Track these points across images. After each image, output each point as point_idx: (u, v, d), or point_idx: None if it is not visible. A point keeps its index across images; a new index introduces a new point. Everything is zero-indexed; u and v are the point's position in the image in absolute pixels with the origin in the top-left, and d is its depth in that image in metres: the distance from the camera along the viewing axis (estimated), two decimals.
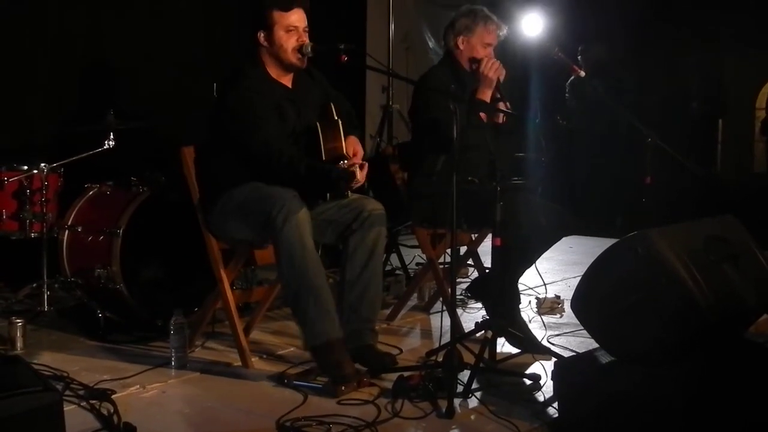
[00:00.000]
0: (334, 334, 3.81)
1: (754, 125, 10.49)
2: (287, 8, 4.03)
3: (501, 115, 4.59)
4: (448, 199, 3.69)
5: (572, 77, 8.31)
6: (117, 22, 5.96)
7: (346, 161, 3.73)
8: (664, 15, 9.43)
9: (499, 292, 4.32)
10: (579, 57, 8.18)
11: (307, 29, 4.07)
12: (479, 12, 4.71)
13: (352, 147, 4.06)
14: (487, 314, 4.49)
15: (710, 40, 9.69)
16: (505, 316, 4.30)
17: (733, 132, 10.74)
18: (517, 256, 4.37)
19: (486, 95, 4.51)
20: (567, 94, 8.60)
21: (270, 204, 3.79)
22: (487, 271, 5.09)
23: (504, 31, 4.73)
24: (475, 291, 4.92)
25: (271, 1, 4.04)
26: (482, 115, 4.52)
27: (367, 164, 3.91)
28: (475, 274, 5.54)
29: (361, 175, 3.83)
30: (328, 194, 3.87)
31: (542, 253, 4.55)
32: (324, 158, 3.90)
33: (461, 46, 4.69)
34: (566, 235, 4.58)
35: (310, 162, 3.85)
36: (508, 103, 4.56)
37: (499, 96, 4.54)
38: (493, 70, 4.51)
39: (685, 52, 9.61)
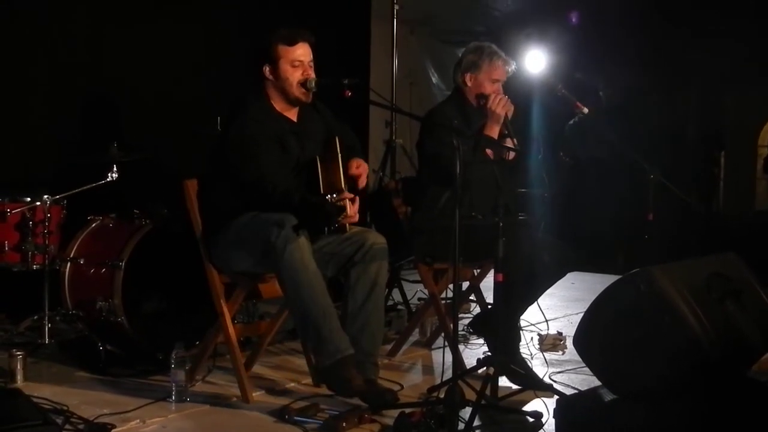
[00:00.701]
0: (347, 350, 3.85)
1: (756, 162, 10.51)
2: (293, 42, 4.05)
3: (508, 153, 4.59)
4: (450, 234, 3.69)
5: (575, 117, 8.35)
6: (121, 53, 5.99)
7: (335, 195, 3.73)
8: (667, 52, 9.47)
9: (501, 329, 4.31)
10: (600, 93, 8.23)
11: (312, 63, 4.10)
12: (486, 48, 4.73)
13: (355, 163, 4.08)
14: (489, 350, 4.47)
15: (713, 76, 9.74)
16: (506, 352, 4.28)
17: (735, 169, 10.77)
18: (519, 292, 4.37)
19: (494, 131, 4.53)
20: (567, 131, 8.63)
21: (269, 230, 3.80)
22: (489, 307, 5.08)
23: (512, 67, 4.74)
24: (477, 327, 4.91)
25: (276, 35, 4.07)
26: (488, 151, 4.53)
27: (358, 198, 3.92)
28: (477, 310, 5.53)
29: (352, 210, 3.84)
30: (326, 228, 3.87)
31: (545, 290, 4.55)
32: (323, 192, 3.91)
33: (469, 83, 4.72)
34: (569, 272, 4.57)
35: (304, 195, 3.85)
36: (515, 140, 4.57)
37: (506, 132, 4.56)
38: (501, 106, 4.52)
39: (686, 89, 9.65)
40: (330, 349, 3.82)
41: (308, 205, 3.80)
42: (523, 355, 4.60)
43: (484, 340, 4.84)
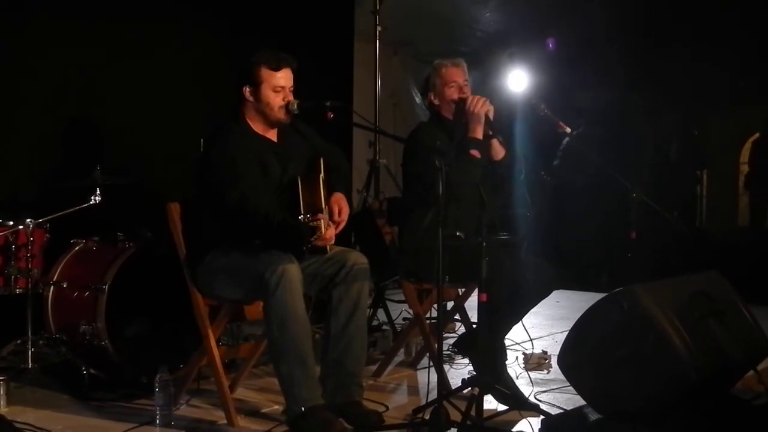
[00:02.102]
0: (318, 401, 3.83)
1: (738, 180, 10.58)
2: (277, 68, 4.06)
3: (497, 151, 4.62)
4: (434, 254, 3.69)
5: (565, 140, 8.41)
6: (104, 77, 5.98)
7: (309, 215, 3.72)
8: (650, 71, 9.54)
9: (486, 349, 4.31)
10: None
11: (292, 88, 4.10)
12: (433, 64, 4.82)
13: (337, 204, 4.07)
14: (474, 370, 4.47)
15: (696, 96, 9.81)
16: (491, 372, 4.28)
17: (717, 186, 10.84)
18: (504, 312, 4.37)
19: (477, 132, 4.54)
20: (558, 157, 8.67)
21: (262, 266, 3.79)
22: (473, 326, 5.08)
23: (463, 64, 4.79)
24: (462, 347, 4.90)
25: (260, 58, 4.07)
26: (475, 153, 4.53)
27: (333, 226, 3.91)
28: (462, 330, 5.53)
29: (328, 232, 3.84)
30: (304, 249, 3.86)
31: (529, 309, 4.56)
32: (302, 211, 3.90)
33: (435, 101, 4.77)
34: (553, 291, 4.58)
35: (285, 217, 3.85)
36: (500, 137, 4.60)
37: (491, 132, 4.58)
38: (479, 106, 4.54)
39: (669, 108, 9.72)
40: (301, 396, 3.79)
41: (285, 228, 3.80)
42: (509, 374, 4.60)
43: (469, 359, 4.83)
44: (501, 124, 4.69)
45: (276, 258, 3.81)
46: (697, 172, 10.65)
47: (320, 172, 4.08)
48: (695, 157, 10.49)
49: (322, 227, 3.74)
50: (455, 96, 4.69)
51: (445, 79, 4.73)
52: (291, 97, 4.08)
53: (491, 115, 4.59)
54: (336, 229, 4.03)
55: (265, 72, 4.05)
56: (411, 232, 4.67)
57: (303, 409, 3.78)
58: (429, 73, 4.83)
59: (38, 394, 4.51)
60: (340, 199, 4.10)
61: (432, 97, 4.78)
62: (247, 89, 4.07)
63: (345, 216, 4.06)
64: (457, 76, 4.74)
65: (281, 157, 4.12)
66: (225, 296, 4.08)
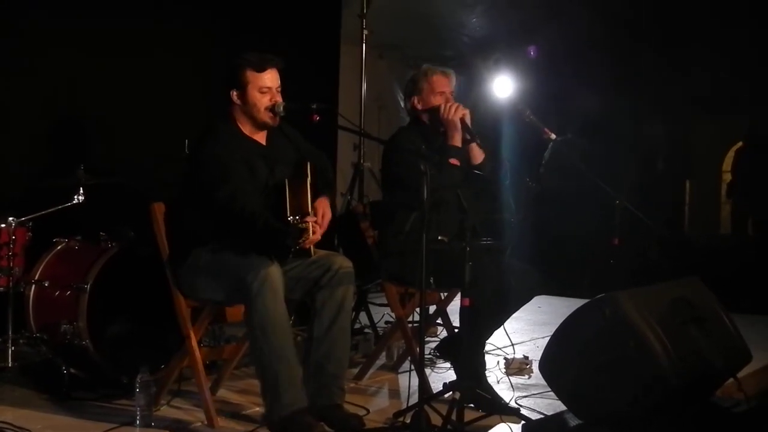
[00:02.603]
0: (302, 403, 3.83)
1: (720, 188, 10.64)
2: (261, 69, 4.05)
3: (476, 155, 4.62)
4: (417, 257, 3.70)
5: (552, 143, 8.41)
6: (88, 76, 5.96)
7: (297, 217, 3.72)
8: (634, 79, 9.58)
9: (468, 353, 4.31)
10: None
11: (279, 89, 4.10)
12: (422, 68, 4.80)
13: (321, 208, 4.08)
14: (456, 374, 4.48)
15: (679, 104, 9.86)
16: (473, 377, 4.29)
17: (700, 194, 10.89)
18: (486, 316, 4.38)
19: (456, 140, 4.55)
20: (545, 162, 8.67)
21: (245, 269, 3.79)
22: (456, 330, 5.09)
23: (452, 76, 4.77)
24: (444, 351, 4.91)
25: (245, 60, 4.06)
26: (455, 161, 4.54)
27: (320, 229, 3.91)
28: (444, 334, 5.53)
29: (315, 235, 3.83)
30: (290, 251, 3.86)
31: (511, 314, 4.57)
32: (289, 214, 3.90)
33: (418, 106, 4.75)
34: (535, 296, 4.60)
35: (269, 219, 3.84)
36: (478, 140, 4.60)
37: (469, 137, 4.58)
38: (453, 111, 4.54)
39: (653, 116, 9.76)
40: (283, 401, 3.79)
41: (271, 230, 3.79)
42: (489, 381, 4.61)
43: (451, 364, 4.84)
44: (485, 129, 4.70)
45: (258, 262, 3.81)
46: (683, 180, 10.71)
47: (307, 176, 4.08)
48: (680, 165, 10.55)
49: (310, 230, 3.73)
50: (434, 103, 4.68)
51: (433, 87, 4.71)
52: (279, 98, 4.07)
53: (467, 120, 4.59)
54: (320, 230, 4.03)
55: (250, 74, 4.04)
56: (393, 236, 4.67)
57: (285, 413, 3.78)
58: (416, 76, 4.79)
59: (18, 393, 4.48)
60: (324, 204, 4.10)
61: (416, 102, 4.76)
62: (234, 93, 4.07)
63: (327, 221, 4.06)
64: (446, 86, 4.73)
65: (268, 160, 4.11)
66: (207, 297, 4.07)
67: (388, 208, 4.78)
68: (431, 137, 4.72)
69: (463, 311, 4.02)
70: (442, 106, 4.58)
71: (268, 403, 3.84)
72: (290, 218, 3.69)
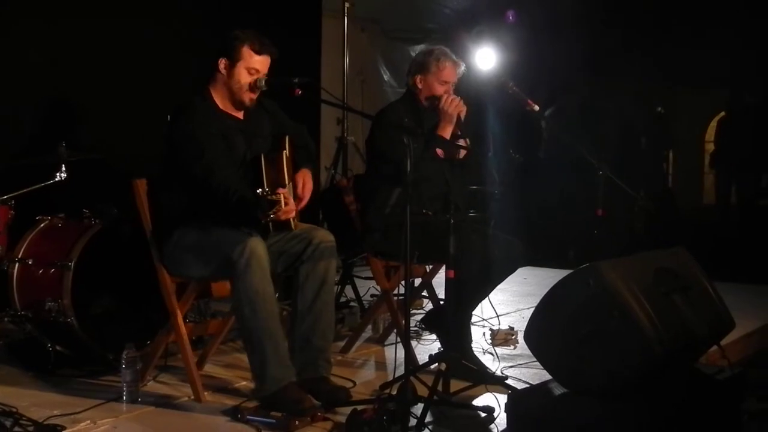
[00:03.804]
0: (291, 377, 3.85)
1: (703, 158, 10.67)
2: (259, 51, 4.05)
3: (460, 152, 4.62)
4: (401, 231, 3.71)
5: (547, 111, 8.45)
6: (70, 52, 5.92)
7: (267, 189, 3.70)
8: (615, 51, 9.58)
9: (454, 325, 4.33)
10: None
11: (266, 76, 4.08)
12: (435, 50, 4.76)
13: (301, 179, 4.07)
14: (442, 346, 4.50)
15: (661, 75, 9.87)
16: (458, 348, 4.32)
17: (683, 165, 10.93)
18: (471, 287, 4.40)
19: (446, 131, 4.56)
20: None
21: (230, 245, 3.79)
22: (441, 303, 5.11)
23: (462, 68, 4.77)
24: (430, 323, 4.93)
25: (246, 36, 4.06)
26: (439, 151, 4.56)
27: (304, 200, 3.89)
28: (430, 306, 5.55)
29: (288, 207, 3.78)
30: (265, 224, 3.85)
31: (496, 286, 4.59)
32: (266, 187, 3.88)
33: (419, 85, 4.74)
34: (519, 267, 4.62)
35: (244, 192, 3.83)
36: (467, 140, 4.60)
37: (459, 133, 4.59)
38: (453, 106, 4.55)
39: (635, 87, 9.77)
40: (272, 375, 3.81)
41: (244, 204, 3.79)
42: (475, 352, 4.63)
43: (437, 336, 4.86)
44: (468, 102, 4.70)
45: (242, 236, 3.81)
46: (664, 151, 10.73)
47: (284, 149, 4.08)
48: (662, 136, 10.57)
49: (282, 202, 3.70)
50: (440, 93, 4.67)
51: (441, 75, 4.70)
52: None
53: (462, 116, 4.60)
54: (299, 204, 4.03)
55: (246, 51, 4.04)
56: (377, 210, 4.67)
57: (275, 388, 3.79)
58: (426, 56, 4.75)
59: (3, 371, 4.48)
60: (305, 174, 4.10)
61: (418, 81, 4.74)
62: (224, 61, 4.06)
63: (308, 191, 4.07)
64: (453, 77, 4.73)
65: (246, 134, 4.11)
66: (192, 274, 4.07)
67: (372, 182, 4.78)
68: (421, 115, 4.72)
69: (449, 283, 4.04)
70: (444, 98, 4.58)
71: (257, 378, 3.86)
72: (259, 191, 3.66)
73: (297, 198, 4.04)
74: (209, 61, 4.11)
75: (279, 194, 3.66)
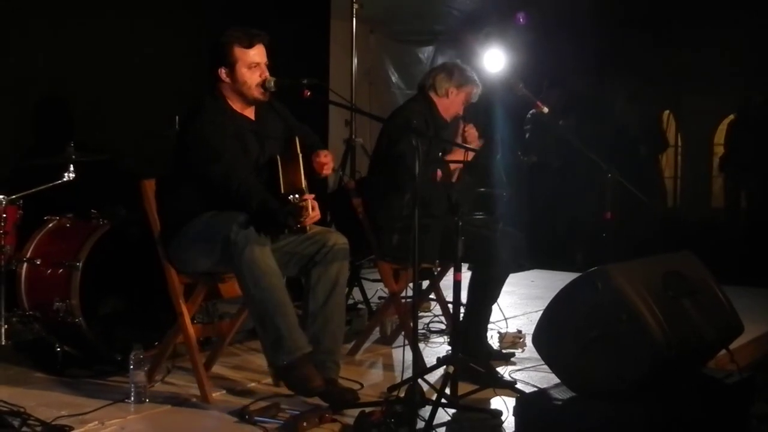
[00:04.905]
0: (306, 348, 3.87)
1: (712, 161, 10.62)
2: (249, 45, 4.03)
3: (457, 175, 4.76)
4: (424, 233, 3.76)
5: (531, 111, 8.43)
6: (78, 53, 5.92)
7: (296, 195, 3.72)
8: (623, 52, 9.56)
9: (471, 327, 4.40)
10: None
11: (267, 63, 4.08)
12: (473, 73, 4.91)
13: (323, 155, 4.10)
14: (451, 349, 4.51)
15: (669, 77, 9.84)
16: (473, 349, 4.37)
17: (691, 168, 10.88)
18: (494, 289, 4.62)
19: (453, 155, 4.72)
20: (527, 128, 8.70)
21: (227, 227, 3.80)
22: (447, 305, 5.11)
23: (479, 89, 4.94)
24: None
25: (231, 37, 4.04)
26: (438, 174, 4.70)
27: (316, 203, 3.91)
28: (437, 309, 5.56)
29: (314, 211, 3.82)
30: (286, 228, 3.86)
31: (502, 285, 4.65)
32: (283, 191, 3.90)
33: (450, 96, 4.81)
34: (526, 269, 4.66)
35: (265, 196, 3.84)
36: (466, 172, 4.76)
37: (461, 163, 4.72)
38: (471, 140, 4.70)
39: (643, 90, 9.74)
40: (288, 346, 3.83)
41: (268, 209, 3.79)
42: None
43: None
44: (476, 105, 4.74)
45: (235, 217, 3.82)
46: (674, 154, 10.72)
47: (298, 153, 4.08)
48: (671, 139, 10.56)
49: (309, 207, 3.72)
50: (460, 113, 4.82)
51: (465, 97, 4.86)
52: (266, 73, 4.06)
53: (470, 155, 4.68)
54: (325, 168, 4.09)
55: (238, 50, 4.02)
56: (390, 212, 4.70)
57: (290, 359, 3.82)
58: (464, 72, 4.87)
59: (11, 371, 4.48)
60: (324, 154, 4.14)
61: (452, 92, 4.85)
62: (223, 70, 4.05)
63: (330, 159, 4.13)
64: (470, 101, 4.88)
65: (259, 136, 4.11)
66: (198, 268, 4.07)
67: (378, 183, 4.81)
68: (437, 120, 4.79)
69: (457, 285, 4.05)
70: (468, 128, 4.65)
71: (271, 352, 3.88)
72: (290, 197, 3.67)
73: (317, 174, 4.10)
74: (211, 71, 4.09)
75: (306, 200, 3.68)
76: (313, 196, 3.85)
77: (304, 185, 3.96)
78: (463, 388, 4.10)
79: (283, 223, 3.75)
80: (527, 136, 8.73)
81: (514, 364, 4.80)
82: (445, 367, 4.01)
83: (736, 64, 9.32)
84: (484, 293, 4.64)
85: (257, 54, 4.05)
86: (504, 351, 4.95)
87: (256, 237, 3.79)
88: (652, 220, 8.44)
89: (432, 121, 4.78)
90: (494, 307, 4.70)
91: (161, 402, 4.02)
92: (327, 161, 4.11)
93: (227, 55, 4.03)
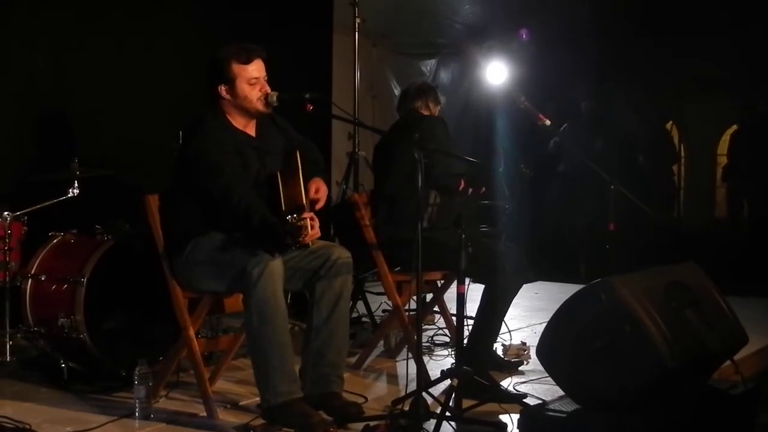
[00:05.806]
0: (297, 394, 3.82)
1: (715, 171, 10.64)
2: (247, 60, 4.03)
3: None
4: (434, 245, 3.76)
5: (564, 125, 8.48)
6: (81, 69, 5.94)
7: (295, 215, 3.70)
8: (626, 64, 9.58)
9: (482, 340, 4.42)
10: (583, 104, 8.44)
11: (266, 78, 4.09)
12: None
13: (314, 187, 4.08)
14: (456, 362, 4.51)
15: (672, 88, 9.86)
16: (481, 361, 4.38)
17: (694, 178, 10.89)
18: (506, 302, 4.66)
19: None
20: (555, 140, 8.70)
21: (245, 259, 3.78)
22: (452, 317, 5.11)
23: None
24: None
25: (229, 53, 4.03)
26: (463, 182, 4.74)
27: (316, 219, 3.90)
28: (441, 322, 5.56)
29: (314, 230, 3.80)
30: (285, 247, 3.85)
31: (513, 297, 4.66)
32: (283, 207, 3.89)
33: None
34: (529, 281, 4.66)
35: (265, 213, 3.83)
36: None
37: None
38: (466, 195, 4.79)
39: (646, 101, 9.76)
40: (279, 389, 3.78)
41: (268, 227, 3.79)
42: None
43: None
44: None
45: (259, 251, 3.81)
46: (677, 164, 10.72)
47: (299, 168, 4.07)
48: (674, 149, 10.57)
49: (308, 226, 3.71)
50: None
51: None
52: (267, 87, 4.06)
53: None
54: (316, 206, 4.05)
55: (236, 67, 4.02)
56: (394, 224, 4.71)
57: (280, 401, 3.78)
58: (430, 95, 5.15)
59: (16, 387, 4.49)
60: (317, 181, 4.12)
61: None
62: (223, 88, 4.04)
63: (323, 195, 4.09)
64: None
65: (260, 152, 4.10)
66: (205, 288, 4.07)
67: (385, 197, 4.83)
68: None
69: (460, 298, 4.04)
70: (466, 186, 4.74)
71: (262, 390, 3.84)
72: (288, 217, 3.66)
73: (312, 202, 4.05)
74: (211, 89, 4.08)
75: (305, 219, 3.67)
76: (311, 214, 3.83)
77: (304, 201, 3.96)
78: (468, 401, 4.10)
79: (281, 241, 3.73)
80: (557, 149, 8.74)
81: (522, 373, 4.81)
82: (449, 380, 4.00)
83: (739, 75, 9.34)
84: (495, 306, 4.65)
85: (256, 69, 4.05)
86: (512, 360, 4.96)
87: (273, 271, 3.75)
88: (655, 230, 8.44)
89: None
90: None
91: (166, 418, 4.02)
92: (318, 197, 4.09)
93: (226, 72, 4.03)
